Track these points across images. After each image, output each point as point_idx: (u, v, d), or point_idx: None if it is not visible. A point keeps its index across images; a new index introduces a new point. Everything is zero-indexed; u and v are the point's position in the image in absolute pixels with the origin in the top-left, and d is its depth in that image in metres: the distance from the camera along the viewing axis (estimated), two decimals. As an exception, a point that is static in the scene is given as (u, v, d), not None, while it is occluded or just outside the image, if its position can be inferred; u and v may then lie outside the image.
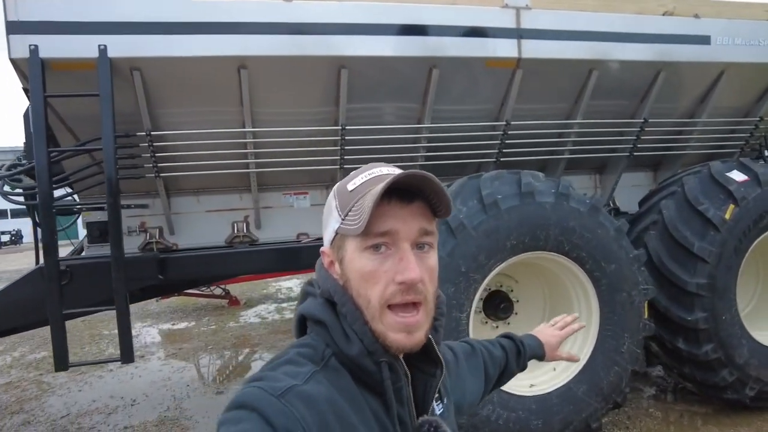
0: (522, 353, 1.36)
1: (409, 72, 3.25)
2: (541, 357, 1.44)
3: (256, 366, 5.39)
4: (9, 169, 3.29)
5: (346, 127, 3.30)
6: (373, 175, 0.85)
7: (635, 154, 4.02)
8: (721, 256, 3.34)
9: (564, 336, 1.50)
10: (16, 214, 34.60)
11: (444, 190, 0.81)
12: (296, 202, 3.79)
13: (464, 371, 1.17)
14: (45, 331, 6.56)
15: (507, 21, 3.29)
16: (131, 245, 3.56)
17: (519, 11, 3.31)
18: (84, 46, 2.77)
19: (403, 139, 3.53)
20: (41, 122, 2.78)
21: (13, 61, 2.76)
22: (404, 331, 0.80)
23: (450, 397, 1.01)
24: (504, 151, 3.68)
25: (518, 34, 3.31)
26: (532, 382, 3.12)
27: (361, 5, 3.06)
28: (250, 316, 7.40)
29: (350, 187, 0.85)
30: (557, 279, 3.25)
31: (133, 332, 6.87)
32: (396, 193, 0.80)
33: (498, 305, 3.31)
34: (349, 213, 0.82)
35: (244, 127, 3.23)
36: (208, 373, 5.32)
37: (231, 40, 2.93)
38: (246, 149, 3.32)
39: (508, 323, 3.42)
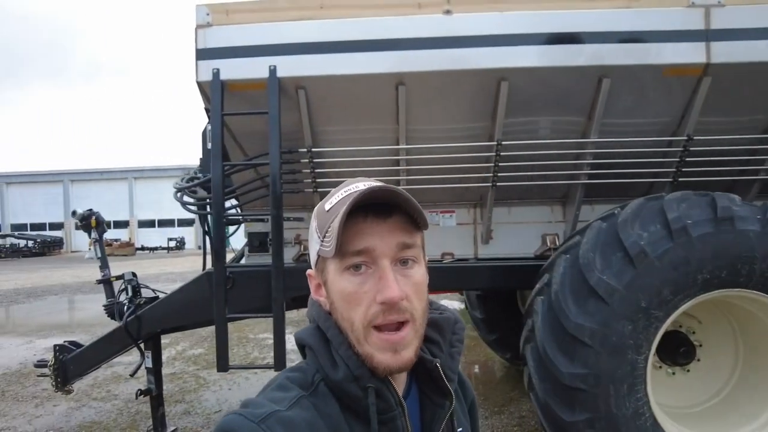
0: None
1: (573, 83, 2.99)
2: None
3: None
4: (188, 181, 3.64)
5: (502, 143, 3.13)
6: (347, 192, 0.80)
7: None
8: None
9: None
10: (181, 223, 39.58)
11: (413, 200, 0.77)
12: (442, 221, 3.69)
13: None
14: (200, 330, 7.21)
15: (693, 22, 2.89)
16: (286, 256, 3.75)
17: (709, 9, 2.89)
18: (256, 68, 2.98)
19: (563, 155, 3.26)
20: (218, 139, 3.02)
21: (199, 84, 3.05)
22: (390, 350, 0.76)
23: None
24: (683, 170, 3.22)
25: (707, 36, 2.88)
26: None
27: (523, 14, 2.90)
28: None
29: (327, 206, 0.82)
30: (759, 324, 2.71)
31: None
32: (372, 209, 0.76)
33: (676, 348, 2.85)
34: (326, 234, 0.79)
35: (398, 144, 3.22)
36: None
37: (390, 57, 2.95)
38: (398, 166, 3.30)
39: (688, 370, 2.94)
